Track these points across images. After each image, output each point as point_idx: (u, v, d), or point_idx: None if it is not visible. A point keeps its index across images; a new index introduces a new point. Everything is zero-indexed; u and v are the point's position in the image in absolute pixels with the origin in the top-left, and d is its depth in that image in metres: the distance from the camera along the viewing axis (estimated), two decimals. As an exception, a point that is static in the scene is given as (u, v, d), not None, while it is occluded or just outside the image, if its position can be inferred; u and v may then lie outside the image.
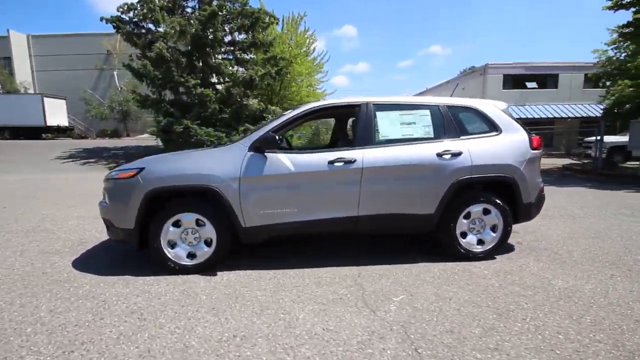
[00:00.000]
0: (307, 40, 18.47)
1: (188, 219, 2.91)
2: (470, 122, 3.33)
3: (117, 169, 3.20)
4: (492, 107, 3.40)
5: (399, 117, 3.21)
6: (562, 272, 3.01)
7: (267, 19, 14.42)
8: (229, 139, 13.14)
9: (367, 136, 3.11)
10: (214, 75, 14.83)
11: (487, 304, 2.42)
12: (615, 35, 18.35)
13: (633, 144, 10.06)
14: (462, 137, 3.21)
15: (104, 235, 4.00)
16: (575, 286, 2.72)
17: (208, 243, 2.97)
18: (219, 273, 2.98)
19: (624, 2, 11.16)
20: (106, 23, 13.57)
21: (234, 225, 2.95)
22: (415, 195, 3.11)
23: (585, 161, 14.60)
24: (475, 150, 3.15)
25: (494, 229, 3.28)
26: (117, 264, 3.25)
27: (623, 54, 18.45)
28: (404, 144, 3.14)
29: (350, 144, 3.17)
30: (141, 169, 2.93)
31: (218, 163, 2.94)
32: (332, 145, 4.49)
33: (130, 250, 3.45)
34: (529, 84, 25.49)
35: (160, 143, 14.91)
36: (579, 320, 2.21)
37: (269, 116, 14.88)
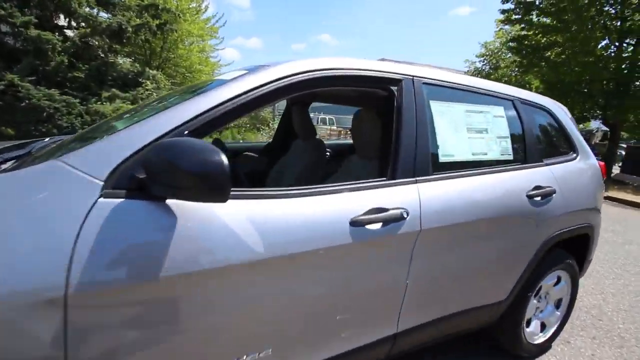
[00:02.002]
0: (198, -6, 15.20)
1: None
2: (545, 133, 2.05)
3: None
4: (564, 113, 2.19)
5: (465, 116, 1.65)
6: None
7: (145, -47, 10.85)
8: (86, 106, 9.51)
9: (420, 155, 1.40)
10: (60, 15, 10.54)
11: None
12: (483, 50, 21.70)
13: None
14: (545, 161, 1.88)
15: None
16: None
17: None
18: None
19: (512, 19, 12.66)
20: None
21: None
22: (490, 274, 1.65)
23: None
24: (566, 187, 1.88)
25: (557, 304, 2.13)
26: None
27: (487, 67, 22.15)
28: (476, 172, 1.60)
29: (388, 172, 1.33)
30: None
31: None
32: (280, 148, 2.56)
33: None
34: (416, 82, 27.58)
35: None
36: None
37: (147, 82, 11.45)
